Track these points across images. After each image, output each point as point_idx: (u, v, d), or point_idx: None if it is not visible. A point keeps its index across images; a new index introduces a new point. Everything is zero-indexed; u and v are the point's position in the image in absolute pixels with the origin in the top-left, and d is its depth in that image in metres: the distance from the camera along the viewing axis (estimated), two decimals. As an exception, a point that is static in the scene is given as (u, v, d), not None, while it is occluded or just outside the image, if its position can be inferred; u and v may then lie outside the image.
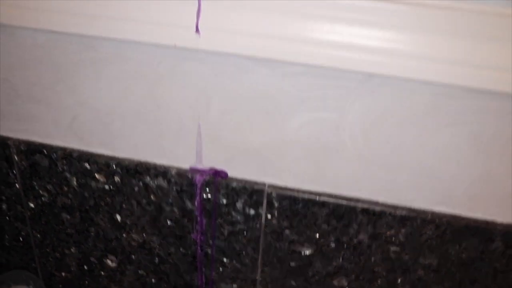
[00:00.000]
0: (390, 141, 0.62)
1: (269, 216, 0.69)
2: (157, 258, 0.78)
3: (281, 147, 0.66)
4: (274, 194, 0.68)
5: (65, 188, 0.75)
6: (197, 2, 0.57)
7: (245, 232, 0.71)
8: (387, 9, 0.54)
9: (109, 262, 0.81)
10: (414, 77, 0.55)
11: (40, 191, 0.77)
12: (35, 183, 0.76)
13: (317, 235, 0.69)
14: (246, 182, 0.68)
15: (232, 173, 0.68)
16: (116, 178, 0.72)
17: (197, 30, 0.58)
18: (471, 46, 0.54)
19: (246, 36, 0.57)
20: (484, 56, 0.54)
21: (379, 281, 0.71)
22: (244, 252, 0.73)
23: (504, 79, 0.54)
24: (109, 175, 0.72)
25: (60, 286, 0.87)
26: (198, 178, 0.69)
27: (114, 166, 0.71)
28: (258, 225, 0.70)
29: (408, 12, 0.54)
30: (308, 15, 0.56)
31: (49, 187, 0.76)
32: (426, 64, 0.55)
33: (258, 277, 0.75)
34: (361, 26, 0.55)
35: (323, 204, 0.67)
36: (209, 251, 0.74)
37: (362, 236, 0.68)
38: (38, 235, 0.81)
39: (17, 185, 0.77)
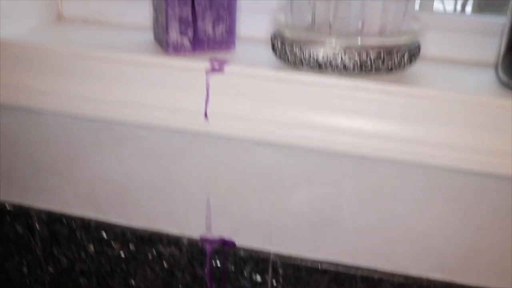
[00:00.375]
0: (386, 214, 0.67)
1: (274, 283, 0.73)
2: (169, 321, 0.82)
3: (285, 219, 0.70)
4: (278, 262, 0.72)
5: (83, 255, 0.80)
6: (205, 90, 0.63)
7: (252, 297, 0.75)
8: (381, 99, 0.59)
9: (123, 323, 0.85)
10: (406, 159, 0.60)
11: (59, 257, 0.82)
12: (54, 250, 0.81)
13: (320, 301, 0.73)
14: (252, 251, 0.73)
15: (240, 242, 0.73)
16: (131, 246, 0.77)
17: (205, 116, 0.64)
18: (460, 131, 0.59)
19: (250, 122, 0.63)
20: (472, 140, 0.59)
21: None
22: (251, 316, 0.77)
23: (491, 161, 0.59)
24: (125, 243, 0.77)
25: None
26: (208, 247, 0.74)
27: (129, 235, 0.76)
28: (264, 291, 0.74)
29: (400, 101, 0.59)
30: (306, 104, 0.61)
31: (68, 253, 0.81)
32: (417, 148, 0.60)
33: None
34: (356, 113, 0.60)
35: (324, 271, 0.71)
36: (219, 314, 0.78)
37: (363, 302, 0.72)
38: (57, 298, 0.86)
39: (37, 251, 0.82)
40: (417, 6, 0.69)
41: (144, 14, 0.78)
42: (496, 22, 0.68)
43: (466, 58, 0.70)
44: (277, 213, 0.70)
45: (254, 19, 0.74)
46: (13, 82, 0.69)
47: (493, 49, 0.68)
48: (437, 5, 0.94)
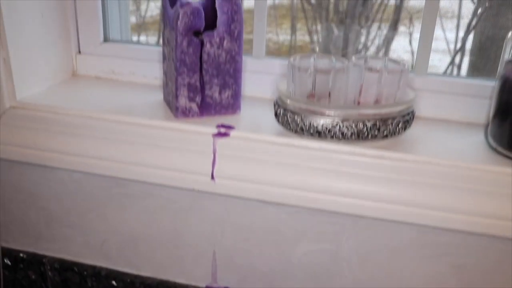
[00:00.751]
0: (382, 268, 0.71)
1: (277, 331, 0.77)
2: None
3: (287, 271, 0.74)
4: (281, 312, 0.76)
5: (94, 302, 0.84)
6: (212, 154, 0.67)
7: None
8: (377, 163, 0.63)
9: None
10: (401, 219, 0.64)
11: (71, 303, 0.85)
12: (66, 296, 0.85)
13: None
14: (256, 301, 0.76)
15: (244, 292, 0.77)
16: (140, 294, 0.81)
17: (212, 177, 0.68)
18: (450, 194, 0.63)
19: (255, 183, 0.66)
20: (462, 203, 0.62)
21: None
22: None
23: (479, 222, 0.63)
24: (134, 291, 0.81)
25: None
26: (213, 297, 0.77)
27: (138, 284, 0.80)
28: None
29: (395, 166, 0.63)
30: (307, 167, 0.65)
31: (79, 300, 0.84)
32: (411, 209, 0.64)
33: None
34: (354, 176, 0.64)
35: (325, 321, 0.74)
36: None
37: None
38: None
39: (50, 297, 0.86)
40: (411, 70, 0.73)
41: (154, 74, 0.83)
42: (487, 85, 0.72)
43: (458, 119, 0.74)
44: (280, 265, 0.74)
45: (258, 81, 0.79)
46: (31, 141, 0.73)
47: (483, 111, 0.73)
48: (438, 32, 0.98)
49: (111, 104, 0.76)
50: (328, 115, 0.62)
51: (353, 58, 0.66)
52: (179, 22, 0.64)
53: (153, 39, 1.72)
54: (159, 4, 1.83)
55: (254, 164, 0.66)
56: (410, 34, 1.59)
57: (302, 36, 1.80)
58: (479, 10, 1.01)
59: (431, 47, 0.74)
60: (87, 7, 0.82)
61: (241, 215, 0.72)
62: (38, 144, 0.73)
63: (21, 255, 0.84)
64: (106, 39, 0.85)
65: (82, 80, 0.85)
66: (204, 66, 0.68)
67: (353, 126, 0.62)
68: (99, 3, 0.82)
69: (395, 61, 0.67)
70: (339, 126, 0.62)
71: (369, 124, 0.62)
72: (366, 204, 0.64)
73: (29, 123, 0.74)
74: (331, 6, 1.64)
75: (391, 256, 0.69)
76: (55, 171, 0.77)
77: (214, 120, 0.70)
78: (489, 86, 0.72)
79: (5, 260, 0.85)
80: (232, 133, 0.67)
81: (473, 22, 1.15)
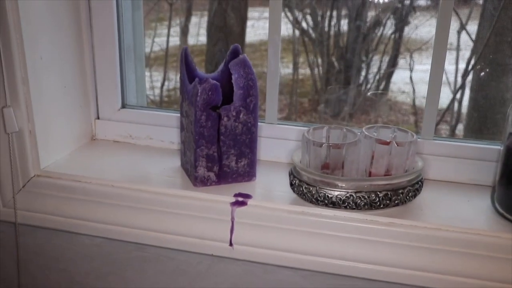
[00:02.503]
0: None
1: None
2: None
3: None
4: None
5: None
6: (230, 222, 0.70)
7: None
8: (389, 230, 0.66)
9: None
10: (411, 283, 0.67)
11: None
12: None
13: None
14: None
15: None
16: None
17: (230, 244, 0.70)
18: (460, 259, 0.65)
19: (271, 249, 0.69)
20: (471, 268, 0.65)
21: None
22: None
23: (489, 287, 0.65)
24: None
25: None
26: None
27: None
28: None
29: (406, 232, 0.66)
30: (321, 234, 0.68)
31: None
32: (422, 273, 0.66)
33: None
34: (366, 242, 0.67)
35: None
36: None
37: None
38: None
39: None
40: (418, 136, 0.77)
41: (170, 138, 0.86)
42: (492, 148, 0.76)
43: (465, 180, 0.77)
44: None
45: (272, 145, 0.82)
46: (54, 208, 0.76)
47: (490, 172, 0.76)
48: (448, 67, 1.01)
49: (131, 171, 0.79)
50: (342, 187, 0.65)
51: (364, 129, 0.69)
52: (198, 98, 0.68)
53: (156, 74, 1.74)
54: (160, 39, 1.86)
55: (270, 231, 0.69)
56: (411, 70, 1.64)
57: (303, 70, 1.85)
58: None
59: (436, 112, 0.77)
60: (107, 75, 0.86)
61: (258, 278, 0.74)
62: (61, 211, 0.76)
63: (41, 316, 0.87)
64: (123, 105, 0.89)
65: (101, 144, 0.88)
66: (222, 137, 0.71)
67: (366, 197, 0.65)
68: (118, 71, 0.86)
69: (403, 131, 0.70)
70: (353, 197, 0.65)
71: (381, 195, 0.65)
72: (378, 269, 0.67)
73: (52, 191, 0.77)
74: (332, 41, 1.68)
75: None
76: (77, 236, 0.79)
77: (231, 188, 0.73)
78: (494, 149, 0.76)
79: (26, 321, 0.87)
80: (249, 201, 0.70)
81: (472, 60, 1.19)
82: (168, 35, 1.80)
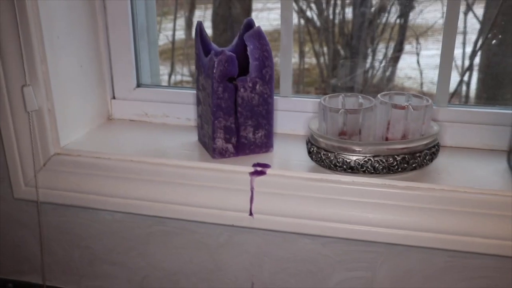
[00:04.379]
0: (416, 293, 0.74)
1: None
2: None
3: (323, 300, 0.77)
4: None
5: (136, 336, 0.87)
6: (250, 192, 0.71)
7: None
8: (407, 194, 0.67)
9: None
10: (432, 246, 0.68)
11: (114, 338, 0.89)
12: (109, 331, 0.88)
13: None
14: (294, 329, 0.79)
15: (282, 321, 0.80)
16: (181, 327, 0.84)
17: (251, 213, 0.71)
18: (477, 220, 0.66)
19: (291, 217, 0.70)
20: (489, 228, 0.66)
21: None
22: None
23: (507, 245, 0.66)
24: (175, 324, 0.84)
25: None
26: (253, 327, 0.80)
27: (179, 317, 0.83)
28: None
29: (424, 195, 0.67)
30: (340, 200, 0.69)
31: (121, 334, 0.88)
32: (441, 235, 0.67)
33: None
34: (385, 207, 0.68)
35: None
36: None
37: None
38: None
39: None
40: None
41: (186, 115, 0.87)
42: (506, 112, 0.76)
43: (480, 146, 0.78)
44: (317, 295, 0.77)
45: (287, 118, 0.83)
46: (75, 185, 0.77)
47: (505, 137, 0.76)
48: (457, 52, 1.02)
49: (149, 146, 0.80)
50: (360, 152, 0.66)
51: (379, 96, 0.70)
52: (214, 70, 0.69)
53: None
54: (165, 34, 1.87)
55: (290, 199, 0.70)
56: (418, 54, 1.64)
57: (308, 59, 1.85)
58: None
59: (449, 81, 0.78)
60: (122, 55, 0.87)
61: (278, 247, 0.75)
62: (82, 187, 0.77)
63: (64, 293, 0.88)
64: (138, 85, 0.90)
65: (117, 124, 0.90)
66: (239, 109, 0.72)
67: (384, 160, 0.66)
68: (132, 51, 0.87)
69: (418, 96, 0.71)
70: (371, 161, 0.66)
71: (398, 158, 0.66)
72: (398, 233, 0.68)
73: (73, 168, 0.78)
74: (337, 29, 1.69)
75: (424, 281, 0.73)
76: (98, 213, 0.81)
77: (249, 159, 0.74)
78: (508, 114, 0.76)
79: (49, 299, 0.89)
80: (268, 171, 0.71)
81: (480, 41, 1.19)
82: (174, 27, 1.81)
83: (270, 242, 0.76)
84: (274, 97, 0.75)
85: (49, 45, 0.75)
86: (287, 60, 0.82)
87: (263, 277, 0.78)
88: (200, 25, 0.74)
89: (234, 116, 0.72)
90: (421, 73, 1.60)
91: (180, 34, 1.94)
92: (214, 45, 0.75)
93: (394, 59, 1.59)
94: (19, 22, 0.71)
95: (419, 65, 1.62)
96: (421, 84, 1.65)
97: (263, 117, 0.74)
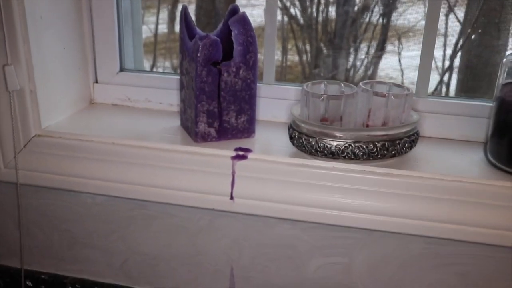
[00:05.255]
0: (392, 279, 0.75)
1: None
2: None
3: (301, 284, 0.78)
4: (297, 324, 0.80)
5: (114, 320, 0.87)
6: (231, 176, 0.72)
7: None
8: (386, 180, 0.68)
9: None
10: (408, 232, 0.69)
11: (91, 322, 0.89)
12: (87, 315, 0.88)
13: None
14: (272, 314, 0.80)
15: (261, 306, 0.81)
16: (160, 311, 0.84)
17: (231, 197, 0.72)
18: (454, 207, 0.68)
19: (271, 202, 0.71)
20: (465, 215, 0.67)
21: None
22: None
23: (482, 232, 0.67)
24: (154, 309, 0.84)
25: None
26: (232, 311, 0.81)
27: (158, 301, 0.84)
28: None
29: (402, 182, 0.68)
30: (320, 185, 0.70)
31: (99, 318, 0.88)
32: (418, 222, 0.68)
33: None
34: (364, 193, 0.69)
35: (339, 332, 0.79)
36: None
37: None
38: None
39: (70, 317, 0.89)
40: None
41: (168, 100, 0.88)
42: (484, 105, 0.78)
43: (458, 137, 0.80)
44: (294, 280, 0.78)
45: (269, 105, 0.84)
46: (55, 167, 0.77)
47: (481, 129, 0.78)
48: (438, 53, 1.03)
49: (131, 130, 0.80)
50: (341, 137, 0.67)
51: (361, 84, 0.71)
52: (199, 54, 0.69)
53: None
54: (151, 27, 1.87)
55: (271, 184, 0.71)
56: (399, 53, 1.66)
57: (291, 56, 1.86)
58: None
59: (430, 72, 0.79)
60: (105, 39, 0.87)
61: (258, 232, 0.76)
62: (62, 170, 0.77)
63: (43, 276, 0.88)
64: (121, 69, 0.90)
65: (99, 108, 0.89)
66: (222, 93, 0.72)
67: (364, 147, 0.67)
68: (116, 34, 0.87)
69: (399, 86, 0.72)
70: (351, 147, 0.67)
71: (378, 145, 0.67)
72: (377, 219, 0.69)
73: (54, 150, 0.78)
74: (320, 27, 1.70)
75: (401, 267, 0.74)
76: (78, 195, 0.81)
77: (231, 144, 0.74)
78: (486, 106, 0.78)
79: (27, 282, 0.88)
80: (250, 155, 0.72)
81: (460, 42, 1.22)
82: (157, 20, 1.80)
83: (250, 227, 0.76)
84: (258, 84, 0.75)
85: (32, 25, 0.74)
86: (270, 48, 0.83)
87: (242, 262, 0.79)
88: (185, 9, 0.74)
89: (217, 101, 0.73)
90: (402, 73, 1.62)
91: (163, 28, 1.94)
92: (198, 30, 0.75)
93: (376, 58, 1.61)
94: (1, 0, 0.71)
95: (400, 64, 1.64)
96: (402, 83, 1.67)
97: (246, 102, 0.74)
